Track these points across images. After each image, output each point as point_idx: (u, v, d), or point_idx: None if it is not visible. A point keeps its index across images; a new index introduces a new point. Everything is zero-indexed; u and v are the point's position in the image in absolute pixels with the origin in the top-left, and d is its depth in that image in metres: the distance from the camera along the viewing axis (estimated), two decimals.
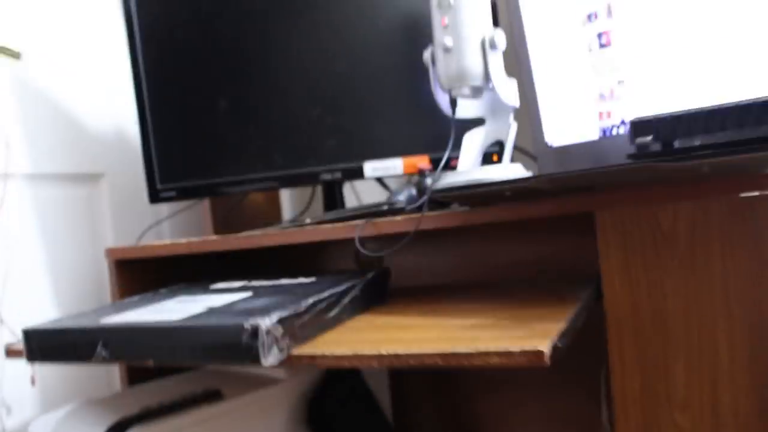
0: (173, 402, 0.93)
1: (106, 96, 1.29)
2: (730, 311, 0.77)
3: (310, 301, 0.77)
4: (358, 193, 1.40)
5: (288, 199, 1.40)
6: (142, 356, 0.74)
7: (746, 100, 0.67)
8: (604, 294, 0.82)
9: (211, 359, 0.72)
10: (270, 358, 0.70)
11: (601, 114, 0.95)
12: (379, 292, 0.94)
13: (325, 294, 0.80)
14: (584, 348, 1.04)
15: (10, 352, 0.90)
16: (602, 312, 0.82)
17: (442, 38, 0.84)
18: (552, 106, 0.97)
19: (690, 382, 0.79)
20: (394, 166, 1.05)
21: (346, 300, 0.84)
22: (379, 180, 1.14)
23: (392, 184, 1.21)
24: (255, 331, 0.69)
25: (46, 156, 1.16)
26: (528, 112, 0.99)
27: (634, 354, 0.81)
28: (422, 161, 1.05)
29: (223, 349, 0.71)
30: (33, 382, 1.11)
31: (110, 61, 1.29)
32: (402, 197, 0.97)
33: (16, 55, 1.10)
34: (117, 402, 0.95)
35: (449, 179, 0.85)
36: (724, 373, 0.77)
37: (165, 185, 1.10)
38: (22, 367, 1.10)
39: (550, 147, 0.97)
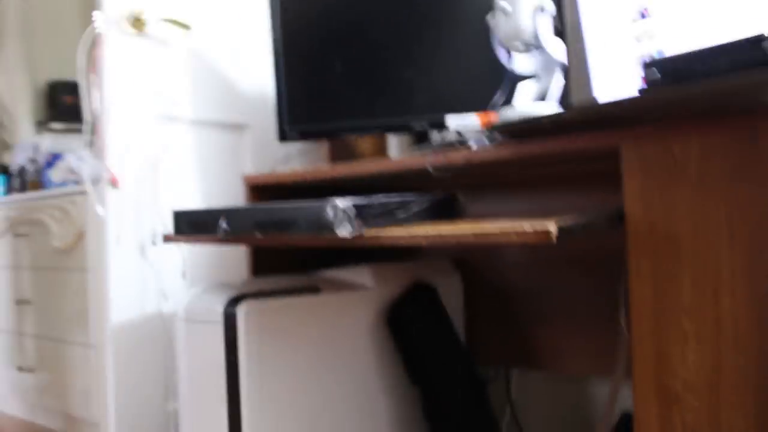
0: (280, 288, 1.19)
1: (252, 61, 1.60)
2: (733, 232, 0.88)
3: (382, 200, 0.99)
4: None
5: (395, 146, 1.65)
6: (252, 229, 1.00)
7: (735, 40, 0.81)
8: (626, 215, 0.97)
9: (304, 230, 0.95)
10: (343, 231, 0.92)
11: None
12: (447, 212, 1.14)
13: (396, 199, 1.02)
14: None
15: (167, 238, 1.20)
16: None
17: (502, 4, 1.04)
18: (600, 68, 1.14)
19: (696, 293, 0.91)
20: (471, 120, 1.26)
21: (414, 208, 1.05)
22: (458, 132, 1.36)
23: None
24: (334, 208, 0.92)
25: (205, 107, 1.49)
26: (579, 74, 1.17)
27: (649, 267, 0.95)
28: (495, 117, 1.25)
29: (311, 223, 0.95)
30: (184, 275, 1.42)
31: (256, 31, 1.59)
32: (474, 141, 1.18)
33: (186, 27, 1.42)
34: (239, 285, 1.22)
35: (503, 115, 1.05)
36: (726, 285, 0.89)
37: (291, 127, 1.39)
38: (176, 264, 1.42)
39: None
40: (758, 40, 0.79)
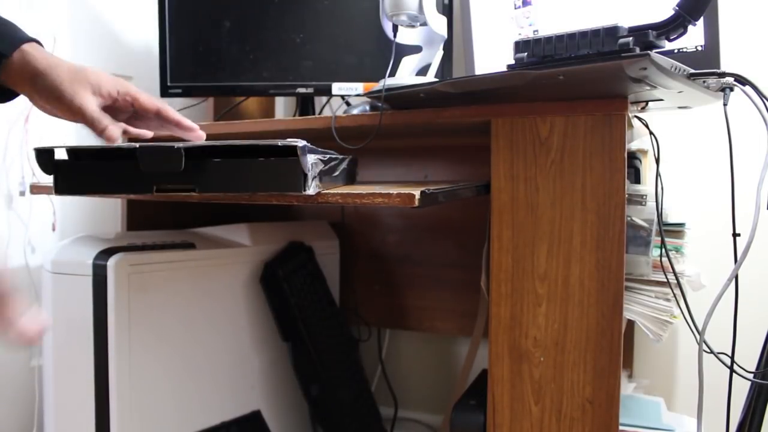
0: (154, 242, 1.18)
1: (138, 12, 1.56)
2: (585, 205, 0.96)
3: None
4: (332, 108, 1.65)
5: (281, 109, 1.66)
6: None
7: (595, 27, 0.87)
8: (491, 186, 1.03)
9: None
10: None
11: None
12: (353, 174, 1.14)
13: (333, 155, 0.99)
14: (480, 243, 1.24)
15: (35, 189, 1.16)
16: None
17: None
18: (483, 47, 1.20)
19: (550, 260, 0.99)
20: (355, 87, 1.29)
21: (343, 165, 1.02)
22: (343, 98, 1.39)
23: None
24: None
25: (86, 54, 1.44)
26: (463, 51, 1.22)
27: (510, 235, 1.02)
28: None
29: None
30: (54, 228, 1.38)
31: None
32: (357, 109, 1.21)
33: None
34: (111, 238, 1.20)
35: (382, 85, 1.08)
36: (576, 253, 0.97)
37: (174, 83, 1.36)
38: (46, 215, 1.37)
39: None
40: (613, 30, 0.85)
